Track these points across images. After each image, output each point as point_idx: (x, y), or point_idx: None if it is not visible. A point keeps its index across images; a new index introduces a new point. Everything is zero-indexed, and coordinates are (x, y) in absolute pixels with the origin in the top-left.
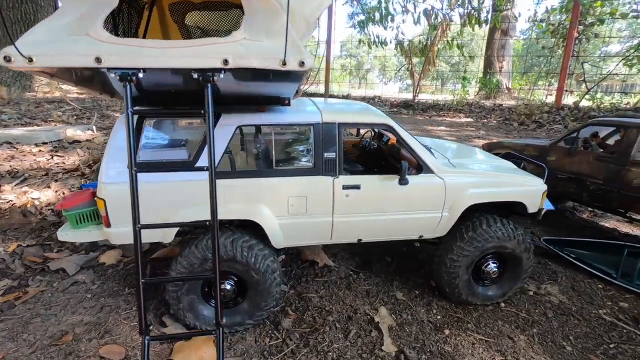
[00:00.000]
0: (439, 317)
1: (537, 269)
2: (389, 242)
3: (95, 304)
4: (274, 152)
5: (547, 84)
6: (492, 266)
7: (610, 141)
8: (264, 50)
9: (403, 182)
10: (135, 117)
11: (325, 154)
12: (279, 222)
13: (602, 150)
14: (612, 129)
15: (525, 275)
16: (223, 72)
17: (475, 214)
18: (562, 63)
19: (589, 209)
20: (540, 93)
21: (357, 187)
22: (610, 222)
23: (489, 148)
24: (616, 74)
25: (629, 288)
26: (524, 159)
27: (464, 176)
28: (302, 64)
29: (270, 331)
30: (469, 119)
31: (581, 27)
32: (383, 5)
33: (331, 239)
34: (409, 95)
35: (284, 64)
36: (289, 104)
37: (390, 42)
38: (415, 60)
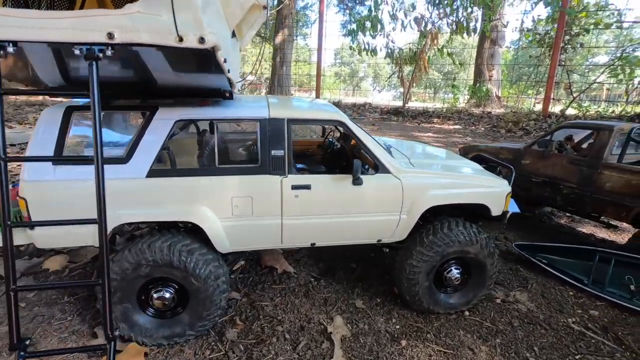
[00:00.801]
0: (397, 326)
1: (507, 275)
2: (355, 247)
3: (28, 314)
4: (217, 149)
5: (535, 92)
6: (454, 272)
7: (585, 144)
8: (157, 24)
9: (357, 182)
10: (62, 109)
11: (273, 152)
12: (223, 224)
13: (575, 153)
14: (587, 132)
15: (490, 281)
16: (110, 48)
17: (440, 217)
18: (549, 72)
19: (567, 214)
20: (529, 101)
21: (308, 187)
22: (587, 228)
23: (465, 151)
24: (601, 83)
25: (600, 295)
26: (493, 161)
27: (423, 176)
28: (202, 40)
29: (213, 343)
30: (458, 126)
31: (567, 37)
32: (373, 14)
33: (282, 243)
34: (401, 103)
35: (180, 39)
36: (231, 97)
37: (381, 49)
38: (406, 68)
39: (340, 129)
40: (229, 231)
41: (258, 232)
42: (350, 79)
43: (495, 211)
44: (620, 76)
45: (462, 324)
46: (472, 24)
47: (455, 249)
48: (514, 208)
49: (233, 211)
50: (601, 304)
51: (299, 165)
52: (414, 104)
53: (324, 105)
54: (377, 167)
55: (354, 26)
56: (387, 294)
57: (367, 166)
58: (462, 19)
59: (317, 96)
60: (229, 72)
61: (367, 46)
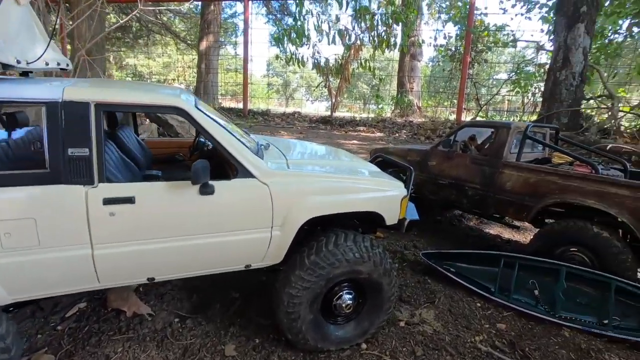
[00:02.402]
0: None
1: (414, 289)
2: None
3: None
4: None
5: (449, 104)
6: (345, 298)
7: (487, 144)
8: None
9: (204, 191)
10: None
11: (71, 151)
12: None
13: (478, 152)
14: (488, 131)
15: (388, 304)
16: None
17: (331, 229)
18: (460, 85)
19: (475, 216)
20: (445, 111)
21: (130, 200)
22: (494, 229)
23: (375, 154)
24: (503, 95)
25: (506, 304)
26: (392, 162)
27: (299, 180)
28: None
29: None
30: (382, 134)
31: (473, 54)
32: (299, 23)
33: (100, 282)
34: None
35: None
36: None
37: (307, 60)
38: (333, 79)
39: (183, 118)
40: None
41: (53, 271)
42: (283, 89)
43: (390, 219)
44: (517, 89)
45: None
46: (392, 40)
47: (344, 269)
48: (412, 215)
49: (3, 242)
50: (508, 314)
51: (155, 172)
52: (342, 114)
53: (162, 89)
54: (237, 169)
55: (279, 35)
56: (271, 330)
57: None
58: (382, 34)
59: (245, 105)
60: None
61: (294, 56)
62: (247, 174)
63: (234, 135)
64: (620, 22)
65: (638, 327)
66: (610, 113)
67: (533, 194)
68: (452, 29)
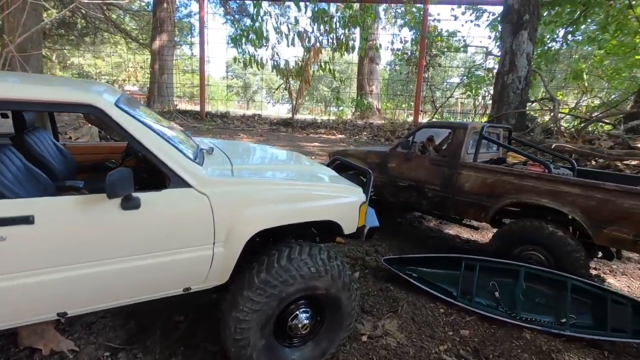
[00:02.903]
0: None
1: (377, 298)
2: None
3: None
4: None
5: (407, 106)
6: (302, 318)
7: (444, 145)
8: None
9: (127, 204)
10: None
11: None
12: None
13: (437, 154)
14: (446, 132)
15: (349, 320)
16: None
17: (284, 241)
18: (416, 88)
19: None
20: (404, 114)
21: (27, 220)
22: (453, 229)
23: (334, 156)
24: (456, 98)
25: (469, 309)
26: (351, 165)
27: (244, 188)
28: None
29: None
30: (343, 136)
31: (428, 58)
32: (257, 24)
33: None
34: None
35: None
36: None
37: (267, 61)
38: (294, 81)
39: (94, 118)
40: None
41: None
42: (244, 91)
43: (348, 228)
44: (469, 92)
45: None
46: (350, 43)
47: (299, 286)
48: (372, 221)
49: None
50: (471, 319)
51: (75, 183)
52: (304, 116)
53: (81, 84)
54: (169, 178)
55: (236, 36)
56: (219, 358)
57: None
58: (341, 37)
59: (202, 108)
60: None
61: (253, 57)
62: (182, 183)
63: (165, 139)
64: (557, 31)
65: (592, 324)
66: (552, 114)
67: (490, 195)
68: (407, 34)
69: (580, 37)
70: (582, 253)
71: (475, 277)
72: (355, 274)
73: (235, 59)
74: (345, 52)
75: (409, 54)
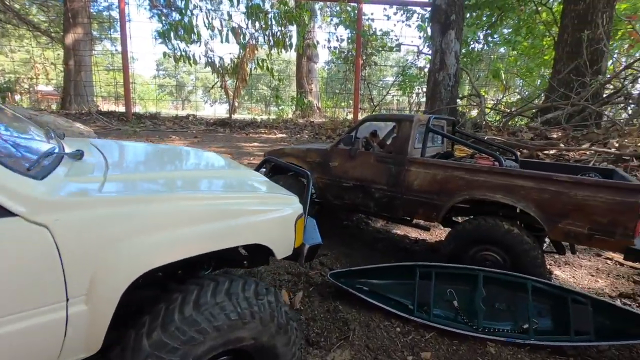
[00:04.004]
0: None
1: (325, 323)
2: None
3: None
4: None
5: (347, 104)
6: None
7: (389, 140)
8: None
9: None
10: None
11: None
12: None
13: (381, 150)
14: (390, 126)
15: None
16: None
17: (194, 275)
18: (354, 86)
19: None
20: (343, 112)
21: None
22: (401, 229)
23: (270, 156)
24: (391, 95)
25: (428, 324)
26: (286, 167)
27: (118, 211)
28: None
29: None
30: (284, 135)
31: (364, 57)
32: (186, 19)
33: None
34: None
35: None
36: None
37: (200, 58)
38: (230, 79)
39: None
40: None
41: None
42: (178, 91)
43: (282, 250)
44: (404, 89)
45: None
46: (287, 40)
47: (213, 343)
48: (313, 238)
49: None
50: (430, 336)
51: None
52: (243, 116)
53: None
54: None
55: (164, 30)
56: None
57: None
58: (277, 34)
59: (128, 108)
60: None
61: (184, 53)
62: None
63: None
64: (478, 33)
65: (554, 327)
66: (479, 110)
67: (441, 192)
68: (344, 32)
69: (498, 39)
70: (538, 251)
71: (431, 286)
72: (298, 295)
73: (165, 55)
74: (282, 50)
75: (346, 52)
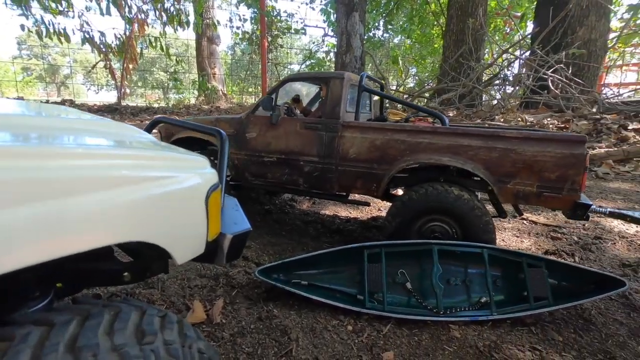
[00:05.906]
0: None
1: (257, 337)
2: None
3: None
4: None
5: (255, 89)
6: None
7: (316, 104)
8: None
9: None
10: None
11: None
12: None
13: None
14: (315, 90)
15: None
16: None
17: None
18: (262, 68)
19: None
20: (251, 98)
21: None
22: (329, 209)
23: (170, 133)
24: None
25: (382, 315)
26: (192, 127)
27: None
28: None
29: None
30: None
31: (270, 38)
32: None
33: None
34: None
35: None
36: None
37: (74, 33)
38: (117, 59)
39: None
40: None
41: None
42: (51, 75)
43: (186, 250)
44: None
45: None
46: (183, 17)
47: None
48: (237, 223)
49: None
50: (388, 329)
51: None
52: (136, 101)
53: None
54: None
55: None
56: None
57: None
58: (171, 9)
59: None
60: None
61: (51, 26)
62: None
63: None
64: (378, 20)
65: (510, 298)
66: (385, 91)
67: (382, 160)
68: (247, 12)
69: (394, 27)
70: (489, 217)
71: (382, 269)
72: (217, 303)
73: (23, 28)
74: (178, 28)
75: (250, 33)
